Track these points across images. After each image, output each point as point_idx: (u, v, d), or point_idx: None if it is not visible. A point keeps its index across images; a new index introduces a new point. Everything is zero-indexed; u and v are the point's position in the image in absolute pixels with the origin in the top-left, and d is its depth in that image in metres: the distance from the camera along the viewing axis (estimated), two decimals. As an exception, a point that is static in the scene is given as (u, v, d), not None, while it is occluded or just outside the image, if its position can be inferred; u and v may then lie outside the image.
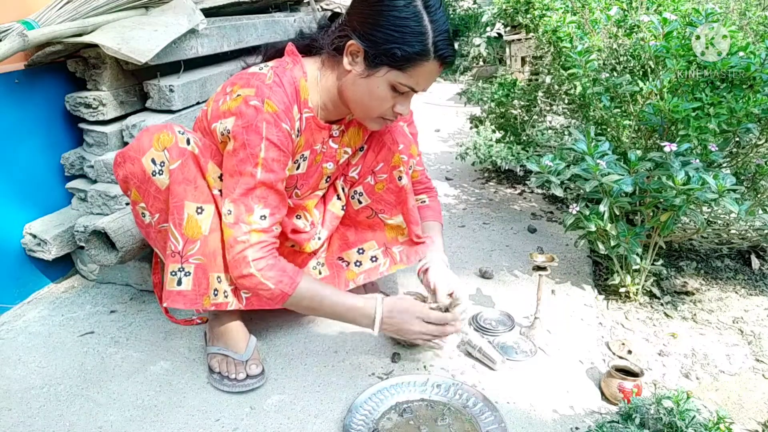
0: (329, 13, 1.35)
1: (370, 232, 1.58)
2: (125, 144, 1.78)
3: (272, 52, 1.36)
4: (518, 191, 2.67)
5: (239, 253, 1.21)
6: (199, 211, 1.25)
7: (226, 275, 1.31)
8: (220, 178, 1.28)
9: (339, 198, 1.55)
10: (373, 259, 1.57)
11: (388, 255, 1.58)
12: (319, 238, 1.52)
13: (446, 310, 1.36)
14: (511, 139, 2.69)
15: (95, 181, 1.76)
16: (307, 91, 1.28)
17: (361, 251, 1.58)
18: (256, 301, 1.37)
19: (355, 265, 1.58)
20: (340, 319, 1.34)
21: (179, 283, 1.28)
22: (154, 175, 1.23)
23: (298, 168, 1.37)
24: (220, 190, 1.28)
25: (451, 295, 1.41)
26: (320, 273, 1.56)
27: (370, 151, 1.49)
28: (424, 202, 1.61)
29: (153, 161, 1.22)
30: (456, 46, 1.18)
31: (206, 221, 1.26)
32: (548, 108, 2.67)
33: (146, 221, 1.30)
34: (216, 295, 1.30)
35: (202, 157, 1.26)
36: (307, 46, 1.32)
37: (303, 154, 1.35)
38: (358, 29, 1.18)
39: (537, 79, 2.87)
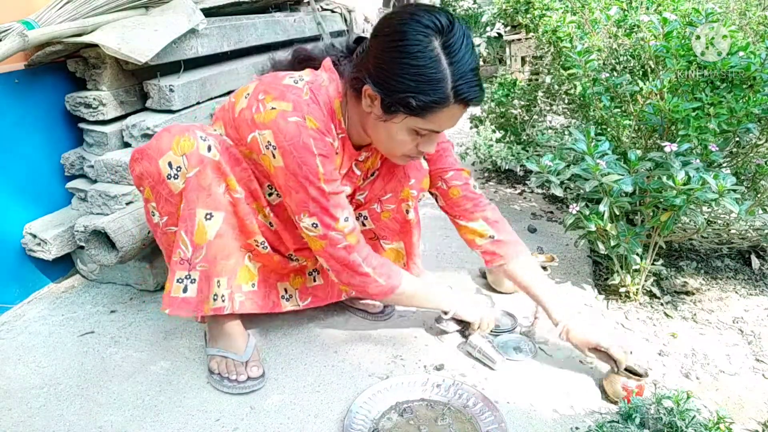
0: (355, 36, 1.31)
1: None
2: (125, 144, 1.78)
3: (302, 56, 1.33)
4: (518, 191, 2.67)
5: (347, 259, 1.25)
6: (208, 217, 1.24)
7: (224, 279, 1.31)
8: (241, 183, 1.27)
9: None
10: None
11: None
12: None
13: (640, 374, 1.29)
14: (511, 139, 2.69)
15: (95, 181, 1.76)
16: (341, 113, 1.25)
17: None
18: (249, 305, 1.38)
19: None
20: (427, 307, 1.50)
21: (185, 290, 1.28)
22: (168, 179, 1.21)
23: None
24: (250, 192, 1.29)
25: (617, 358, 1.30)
26: (315, 280, 1.55)
27: (380, 179, 1.45)
28: (493, 237, 1.46)
29: (170, 164, 1.20)
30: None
31: (213, 227, 1.25)
32: (548, 108, 2.67)
33: (155, 220, 1.29)
34: (215, 299, 1.31)
35: (224, 164, 1.23)
36: (337, 64, 1.27)
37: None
38: (374, 75, 1.12)
39: (537, 79, 2.88)
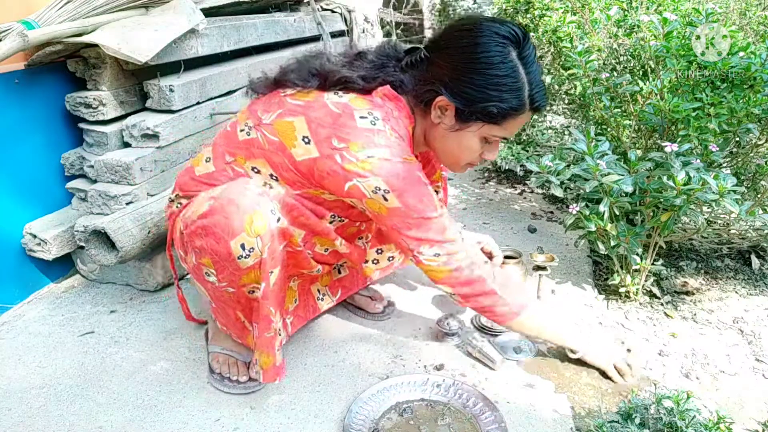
0: (408, 46, 1.30)
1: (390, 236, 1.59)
2: (125, 144, 1.78)
3: (325, 71, 1.21)
4: (518, 191, 2.67)
5: (471, 277, 1.22)
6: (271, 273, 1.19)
7: (276, 313, 1.24)
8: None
9: None
10: (390, 258, 1.61)
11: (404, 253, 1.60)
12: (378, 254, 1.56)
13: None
14: (511, 138, 2.68)
15: (95, 181, 1.76)
16: (412, 137, 1.26)
17: (379, 251, 1.59)
18: (297, 322, 1.43)
19: (373, 263, 1.59)
20: (553, 341, 1.40)
21: (279, 357, 1.25)
22: (239, 259, 1.13)
23: None
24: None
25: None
26: (340, 272, 1.57)
27: None
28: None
29: (242, 246, 1.12)
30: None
31: (271, 280, 1.18)
32: (548, 108, 2.67)
33: (209, 280, 1.21)
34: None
35: (290, 227, 1.20)
36: (390, 82, 1.22)
37: None
38: (449, 85, 1.13)
39: (537, 79, 2.87)
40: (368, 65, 1.24)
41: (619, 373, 1.36)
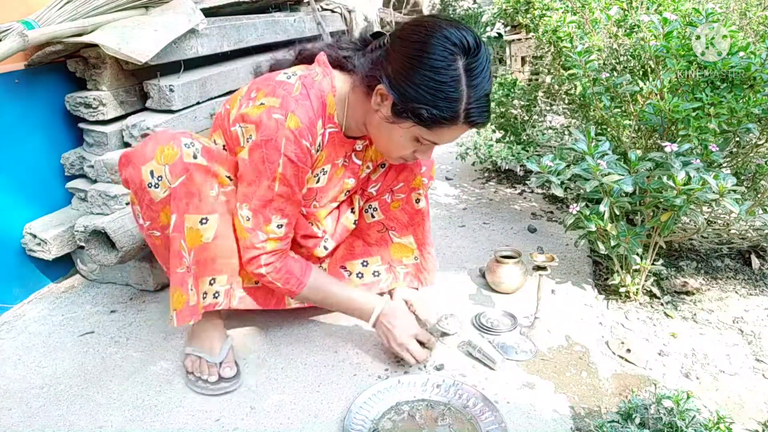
0: (373, 30, 1.31)
1: (376, 246, 1.58)
2: (125, 144, 1.78)
3: (306, 54, 1.32)
4: (518, 191, 2.67)
5: (254, 258, 1.26)
6: (204, 221, 1.24)
7: (223, 276, 1.31)
8: (229, 178, 1.27)
9: (353, 212, 1.54)
10: (376, 273, 1.59)
11: (391, 272, 1.59)
12: (326, 248, 1.50)
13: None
14: (511, 139, 2.69)
15: (95, 181, 1.76)
16: (334, 107, 1.25)
17: (365, 264, 1.58)
18: (249, 301, 1.39)
19: (357, 276, 1.58)
20: (344, 312, 1.44)
21: (194, 297, 1.28)
22: (149, 187, 1.20)
23: (317, 182, 1.35)
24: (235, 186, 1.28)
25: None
26: None
27: (392, 169, 1.48)
28: (417, 259, 1.63)
29: (151, 173, 1.19)
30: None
31: (210, 230, 1.25)
32: (548, 108, 2.67)
33: (140, 222, 1.30)
34: (204, 297, 1.31)
35: (212, 166, 1.23)
36: (340, 59, 1.26)
37: (324, 168, 1.33)
38: (391, 76, 1.11)
39: (537, 79, 2.88)
40: (342, 45, 1.30)
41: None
